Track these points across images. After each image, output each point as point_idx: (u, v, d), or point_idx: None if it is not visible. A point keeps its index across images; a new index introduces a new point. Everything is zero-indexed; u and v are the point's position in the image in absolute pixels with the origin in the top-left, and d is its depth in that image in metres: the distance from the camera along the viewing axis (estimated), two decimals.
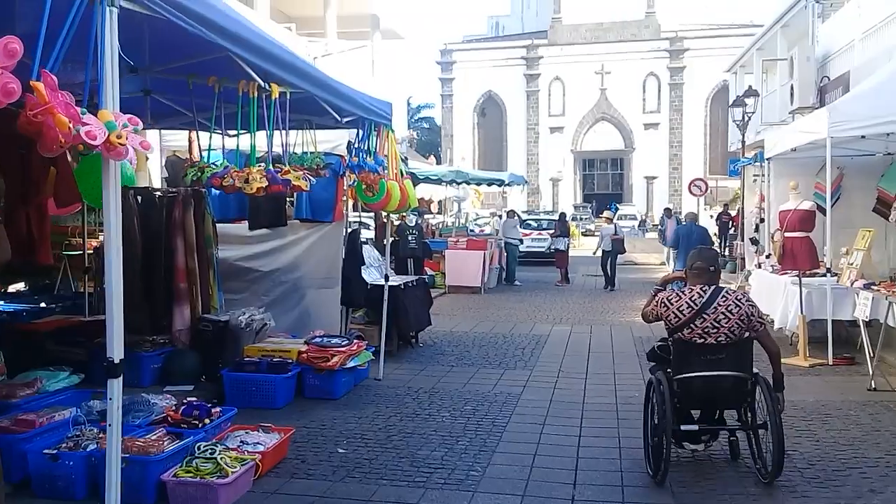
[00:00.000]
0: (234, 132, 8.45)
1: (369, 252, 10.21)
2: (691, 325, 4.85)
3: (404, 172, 7.99)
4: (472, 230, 22.91)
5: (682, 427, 4.97)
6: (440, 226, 22.30)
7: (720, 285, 5.03)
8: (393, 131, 7.64)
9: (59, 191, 7.05)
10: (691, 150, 56.72)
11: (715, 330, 4.83)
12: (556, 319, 12.80)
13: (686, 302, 4.90)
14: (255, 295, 8.78)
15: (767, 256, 11.32)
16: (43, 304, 9.48)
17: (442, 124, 63.39)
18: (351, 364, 7.05)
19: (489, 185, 21.17)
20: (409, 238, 13.99)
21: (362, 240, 9.39)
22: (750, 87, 20.36)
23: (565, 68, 58.42)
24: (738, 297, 4.96)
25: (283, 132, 5.80)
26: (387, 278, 8.06)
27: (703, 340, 4.85)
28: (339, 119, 6.28)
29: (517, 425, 6.26)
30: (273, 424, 5.41)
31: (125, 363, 3.12)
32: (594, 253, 19.15)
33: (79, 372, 6.68)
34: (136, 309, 7.41)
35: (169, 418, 5.06)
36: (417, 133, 70.44)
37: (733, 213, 29.21)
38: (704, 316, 4.83)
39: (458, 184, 19.41)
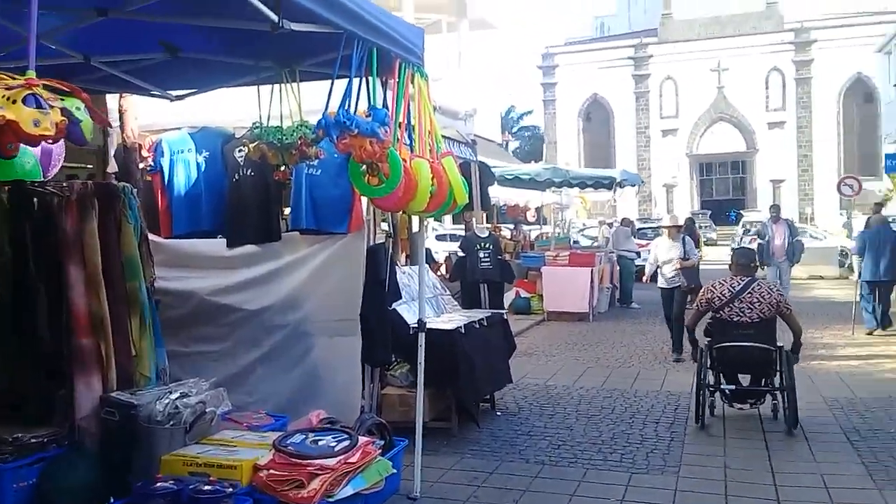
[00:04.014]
0: (180, 91, 5.54)
1: (423, 280, 6.98)
2: (730, 305, 6.26)
3: (442, 147, 4.72)
4: (576, 241, 19.30)
5: (723, 386, 6.41)
6: (539, 237, 18.78)
7: (754, 277, 6.50)
8: (424, 77, 4.47)
9: None
10: (823, 150, 51.61)
11: (749, 310, 6.23)
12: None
13: (728, 288, 6.33)
14: (240, 346, 5.74)
15: None
16: None
17: (544, 131, 60.09)
18: (345, 493, 3.85)
19: (595, 187, 17.58)
20: (481, 255, 10.38)
21: (392, 259, 6.14)
22: None
23: (678, 67, 54.51)
24: (770, 287, 6.43)
25: None
26: (421, 325, 4.85)
27: (739, 318, 6.25)
28: (275, 20, 3.09)
29: None
30: None
31: None
32: (645, 278, 10.94)
33: None
34: (10, 383, 4.58)
35: None
36: (520, 142, 67.30)
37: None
38: (741, 298, 6.24)
39: (559, 186, 16.02)
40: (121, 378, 4.51)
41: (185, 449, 4.09)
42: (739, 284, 6.29)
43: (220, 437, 4.32)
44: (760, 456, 5.54)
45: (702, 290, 6.57)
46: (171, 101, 5.34)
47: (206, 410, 4.27)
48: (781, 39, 53.08)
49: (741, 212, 47.80)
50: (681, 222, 10.87)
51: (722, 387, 6.38)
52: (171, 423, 4.10)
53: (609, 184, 16.93)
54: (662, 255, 9.88)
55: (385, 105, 4.14)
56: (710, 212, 48.15)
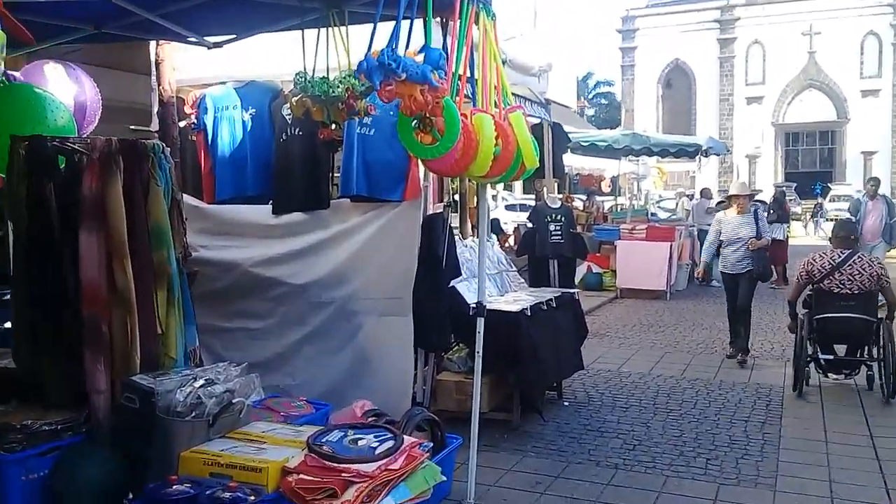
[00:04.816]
0: (218, 38, 5.02)
1: (487, 254, 6.37)
2: (831, 277, 6.33)
3: (510, 101, 4.04)
4: (653, 214, 18.28)
5: (821, 356, 6.49)
6: (613, 208, 17.87)
7: (855, 249, 6.57)
8: (492, 17, 3.82)
9: None
10: None
11: (850, 282, 6.28)
12: (784, 347, 8.38)
13: (828, 260, 6.40)
14: (284, 323, 5.29)
15: None
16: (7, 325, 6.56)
17: (622, 98, 58.23)
18: None
19: (677, 156, 16.52)
20: (552, 228, 9.48)
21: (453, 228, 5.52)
22: None
23: (766, 30, 51.96)
24: (871, 260, 6.48)
25: None
26: (480, 309, 4.25)
27: (839, 290, 6.31)
28: None
29: None
30: None
31: None
32: (699, 277, 10.40)
33: None
34: (26, 357, 4.23)
35: None
36: (595, 109, 65.50)
37: None
38: (841, 271, 6.30)
39: (637, 154, 15.10)
40: (144, 359, 4.09)
41: (207, 445, 3.61)
42: (840, 257, 6.38)
43: (250, 431, 3.83)
44: (871, 467, 4.79)
45: (802, 263, 6.60)
46: (209, 48, 4.85)
47: (234, 401, 3.79)
48: (879, 2, 50.00)
49: (828, 185, 45.52)
50: (747, 192, 8.53)
51: (819, 356, 6.49)
52: (193, 414, 3.63)
53: (693, 152, 15.86)
54: (728, 232, 7.98)
55: (444, 49, 3.51)
56: (794, 184, 45.97)
